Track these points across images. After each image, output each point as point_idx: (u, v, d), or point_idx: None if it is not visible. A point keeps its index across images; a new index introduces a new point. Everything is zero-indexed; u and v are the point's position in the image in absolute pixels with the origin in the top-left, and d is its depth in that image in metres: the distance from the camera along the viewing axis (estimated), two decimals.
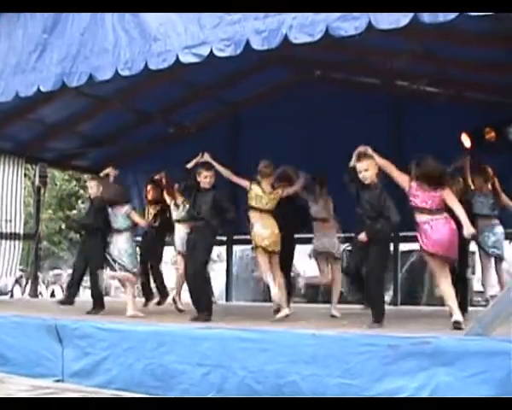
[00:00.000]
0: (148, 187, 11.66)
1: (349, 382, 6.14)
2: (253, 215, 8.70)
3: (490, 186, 9.60)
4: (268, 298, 8.99)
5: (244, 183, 8.85)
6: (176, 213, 10.45)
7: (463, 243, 9.32)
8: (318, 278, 9.91)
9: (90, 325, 8.07)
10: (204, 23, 6.97)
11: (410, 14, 5.80)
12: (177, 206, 10.46)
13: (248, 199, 8.72)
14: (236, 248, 16.67)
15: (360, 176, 7.60)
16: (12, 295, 16.61)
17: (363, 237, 7.49)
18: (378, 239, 7.50)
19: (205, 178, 8.82)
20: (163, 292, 11.14)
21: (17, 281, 18.53)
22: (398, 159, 12.22)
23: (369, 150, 7.64)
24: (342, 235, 10.22)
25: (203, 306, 8.48)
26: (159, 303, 10.99)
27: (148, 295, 11.28)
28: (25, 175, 15.59)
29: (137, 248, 10.28)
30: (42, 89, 8.25)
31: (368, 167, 7.57)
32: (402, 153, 12.39)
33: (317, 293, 17.57)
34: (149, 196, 11.58)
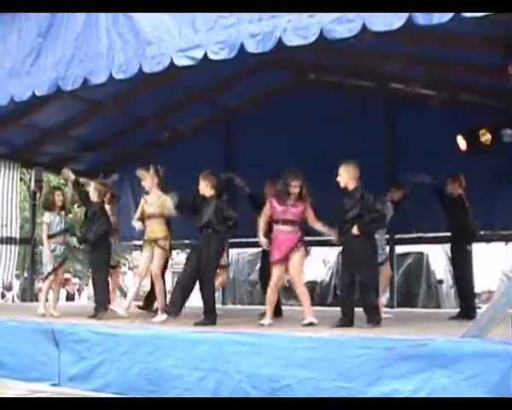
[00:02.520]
0: None
1: (345, 385, 6.12)
2: None
3: None
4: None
5: None
6: None
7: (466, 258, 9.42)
8: None
9: (87, 330, 8.05)
10: (198, 26, 6.95)
11: (405, 16, 5.80)
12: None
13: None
14: (232, 251, 16.66)
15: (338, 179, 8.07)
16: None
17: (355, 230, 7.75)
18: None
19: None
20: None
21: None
22: (391, 161, 12.44)
23: None
24: None
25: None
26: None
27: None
28: (20, 179, 15.58)
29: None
30: (37, 93, 8.22)
31: (340, 172, 8.01)
32: (395, 155, 12.48)
33: (312, 295, 17.55)
34: None
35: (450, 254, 9.96)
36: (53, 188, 12.16)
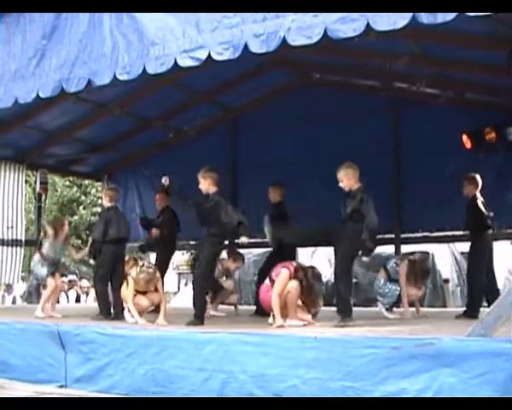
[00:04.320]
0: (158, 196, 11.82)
1: (352, 385, 6.10)
2: None
3: None
4: None
5: None
6: None
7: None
8: None
9: (93, 331, 8.04)
10: (202, 27, 6.94)
11: (409, 15, 5.79)
12: None
13: None
14: None
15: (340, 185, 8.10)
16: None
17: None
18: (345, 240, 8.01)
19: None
20: None
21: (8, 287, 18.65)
22: (397, 160, 12.44)
23: None
24: None
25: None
26: None
27: None
28: (26, 182, 15.61)
29: None
30: (41, 95, 8.21)
31: (342, 178, 8.01)
32: (400, 154, 12.48)
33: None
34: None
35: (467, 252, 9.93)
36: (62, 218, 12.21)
